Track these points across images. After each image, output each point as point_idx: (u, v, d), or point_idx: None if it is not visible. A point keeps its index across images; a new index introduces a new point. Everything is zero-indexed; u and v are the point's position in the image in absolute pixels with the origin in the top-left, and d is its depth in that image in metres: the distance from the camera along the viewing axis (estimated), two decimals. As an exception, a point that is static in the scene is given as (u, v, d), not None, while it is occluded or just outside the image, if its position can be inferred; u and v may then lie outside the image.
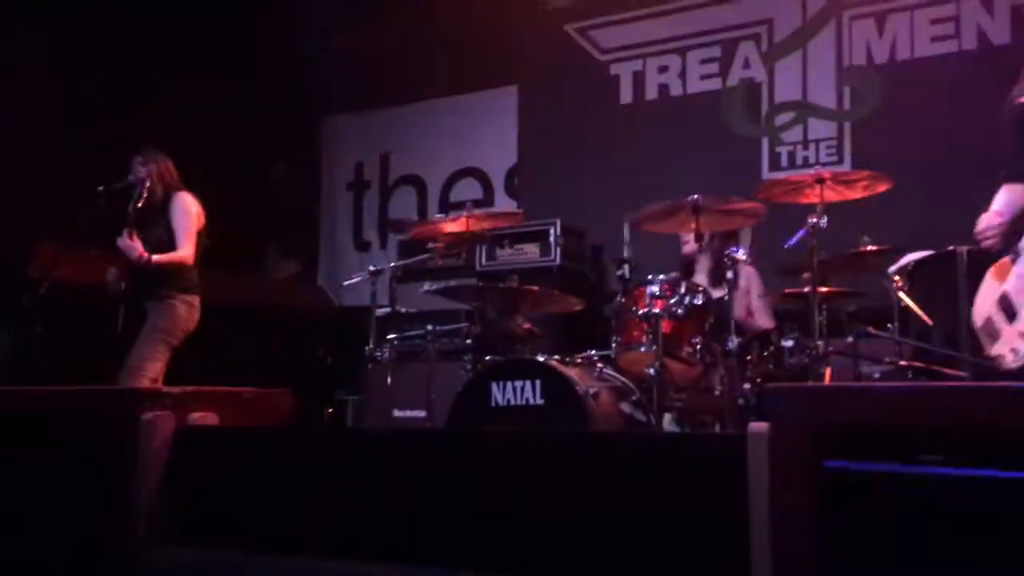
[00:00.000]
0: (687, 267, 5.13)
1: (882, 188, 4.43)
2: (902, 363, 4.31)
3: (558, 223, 6.53)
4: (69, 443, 3.25)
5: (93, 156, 5.77)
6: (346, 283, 6.35)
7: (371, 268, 5.26)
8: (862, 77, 6.62)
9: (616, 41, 7.48)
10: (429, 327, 5.36)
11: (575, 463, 2.67)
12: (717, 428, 4.51)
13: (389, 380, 5.16)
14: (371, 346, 5.11)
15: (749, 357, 4.48)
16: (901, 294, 4.40)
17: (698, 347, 4.36)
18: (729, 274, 4.41)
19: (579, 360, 4.43)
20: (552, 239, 6.51)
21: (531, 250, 6.58)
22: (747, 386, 4.36)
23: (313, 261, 9.06)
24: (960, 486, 2.10)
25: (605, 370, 4.38)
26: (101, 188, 4.85)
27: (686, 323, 4.38)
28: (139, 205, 4.81)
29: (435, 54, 7.89)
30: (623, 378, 4.36)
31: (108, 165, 5.03)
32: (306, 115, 8.97)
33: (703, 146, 6.83)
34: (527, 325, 4.87)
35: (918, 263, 4.56)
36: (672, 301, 4.37)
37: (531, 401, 4.13)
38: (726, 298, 4.40)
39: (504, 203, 8.12)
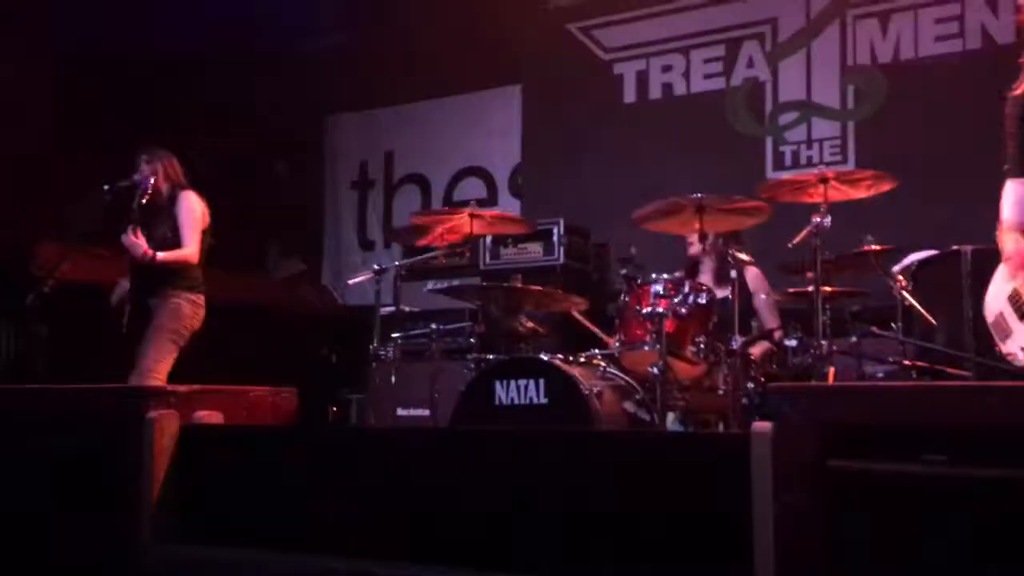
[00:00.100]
0: (692, 267, 5.14)
1: (886, 188, 4.42)
2: (906, 363, 4.31)
3: (561, 222, 6.52)
4: (74, 441, 3.26)
5: (93, 156, 5.77)
6: (350, 282, 6.34)
7: (375, 267, 5.27)
8: (866, 76, 6.62)
9: (620, 40, 7.49)
10: (433, 326, 5.39)
11: (578, 462, 2.67)
12: (721, 427, 4.49)
13: (393, 379, 5.17)
14: (375, 345, 5.11)
15: (753, 356, 4.48)
16: (905, 294, 4.40)
17: (702, 346, 4.36)
18: (733, 273, 4.41)
19: (583, 359, 4.43)
20: (556, 238, 6.50)
21: (535, 249, 6.57)
22: (751, 385, 4.36)
23: (317, 260, 9.07)
24: (963, 485, 2.10)
25: (609, 369, 4.38)
26: (106, 186, 4.85)
27: (690, 322, 4.37)
28: (144, 203, 4.80)
29: (439, 53, 7.89)
30: (627, 377, 4.36)
31: (108, 165, 5.02)
32: (310, 114, 8.98)
33: (707, 145, 6.84)
34: (530, 324, 4.87)
35: (922, 263, 4.56)
36: (676, 300, 4.36)
37: (535, 400, 4.13)
38: (730, 297, 4.40)
39: (508, 202, 8.13)
